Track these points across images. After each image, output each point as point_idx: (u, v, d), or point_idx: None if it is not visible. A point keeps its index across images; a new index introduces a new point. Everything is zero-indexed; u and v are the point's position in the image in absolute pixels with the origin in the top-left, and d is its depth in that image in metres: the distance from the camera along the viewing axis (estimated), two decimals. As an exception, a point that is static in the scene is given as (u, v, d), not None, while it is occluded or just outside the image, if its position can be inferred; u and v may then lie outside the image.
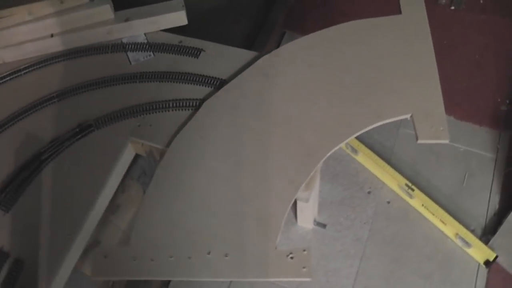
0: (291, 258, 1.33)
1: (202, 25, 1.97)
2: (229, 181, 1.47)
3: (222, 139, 1.55)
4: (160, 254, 1.38)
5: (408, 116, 1.55)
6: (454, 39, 2.50)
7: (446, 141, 1.51)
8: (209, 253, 1.36)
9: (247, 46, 2.42)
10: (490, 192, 2.08)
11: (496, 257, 1.89)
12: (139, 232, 1.42)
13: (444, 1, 2.62)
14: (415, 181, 2.09)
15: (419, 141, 1.51)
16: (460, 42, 2.50)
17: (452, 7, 2.61)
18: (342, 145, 1.55)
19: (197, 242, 1.39)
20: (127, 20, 1.80)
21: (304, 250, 1.34)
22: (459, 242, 1.96)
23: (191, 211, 1.44)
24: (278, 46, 2.48)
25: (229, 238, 1.38)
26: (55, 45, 1.81)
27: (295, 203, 1.90)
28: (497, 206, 2.05)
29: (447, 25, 2.56)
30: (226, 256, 1.35)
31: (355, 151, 2.16)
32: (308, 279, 1.31)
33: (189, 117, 1.61)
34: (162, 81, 1.72)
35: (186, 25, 1.84)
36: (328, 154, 1.49)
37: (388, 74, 1.63)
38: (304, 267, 1.32)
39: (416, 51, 1.67)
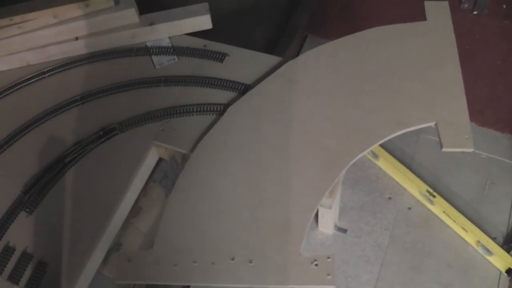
0: (316, 265, 1.33)
1: (225, 28, 1.97)
2: (253, 187, 1.47)
3: (246, 145, 1.55)
4: (184, 259, 1.38)
5: (432, 124, 1.55)
6: (476, 45, 2.48)
7: (471, 150, 1.50)
8: (233, 259, 1.36)
9: (269, 49, 2.42)
10: (512, 200, 2.07)
11: (518, 265, 1.88)
12: (163, 237, 1.43)
13: (466, 5, 2.60)
14: (436, 188, 2.07)
15: (444, 149, 1.50)
16: (482, 47, 2.48)
17: (475, 12, 2.59)
18: (366, 152, 1.55)
19: (221, 247, 1.39)
20: (151, 24, 1.81)
21: (328, 258, 1.34)
22: (480, 250, 1.94)
23: (215, 217, 1.44)
24: (299, 50, 2.49)
25: (253, 244, 1.38)
26: (79, 48, 1.83)
27: (316, 208, 1.90)
28: (519, 214, 2.04)
29: (470, 30, 2.54)
30: (250, 262, 1.35)
31: (376, 156, 2.15)
32: (332, 286, 1.31)
33: (213, 122, 1.61)
34: (186, 85, 1.72)
35: (208, 28, 1.85)
36: (352, 162, 1.49)
37: (412, 82, 1.63)
38: (328, 274, 1.32)
39: (441, 58, 1.67)
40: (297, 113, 1.59)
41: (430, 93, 1.60)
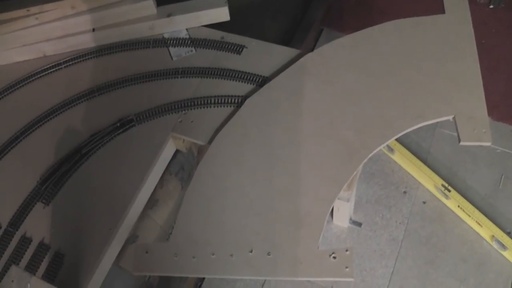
0: (334, 258, 1.32)
1: (241, 20, 1.96)
2: (271, 180, 1.47)
3: (264, 137, 1.54)
4: (202, 251, 1.38)
5: (450, 117, 1.54)
6: (492, 39, 2.47)
7: (488, 144, 1.49)
8: (251, 251, 1.36)
9: (285, 42, 2.42)
10: (527, 195, 2.06)
11: (533, 260, 1.88)
12: (181, 228, 1.43)
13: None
14: (451, 182, 2.07)
15: (462, 143, 1.49)
16: (498, 42, 2.46)
17: (491, 6, 2.57)
18: (384, 146, 1.54)
19: (239, 240, 1.39)
20: (169, 15, 1.80)
21: (346, 250, 1.33)
22: (495, 245, 1.94)
23: (233, 209, 1.44)
24: (315, 43, 2.49)
25: (271, 236, 1.38)
26: (96, 40, 1.82)
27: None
28: (534, 209, 2.03)
29: (486, 24, 2.52)
30: (269, 255, 1.35)
31: (391, 150, 2.15)
32: (351, 279, 1.31)
33: (231, 114, 1.61)
34: (204, 77, 1.72)
35: (224, 20, 1.84)
36: (371, 155, 1.49)
37: (430, 75, 1.62)
38: (346, 267, 1.31)
39: (459, 52, 1.66)
40: (316, 106, 1.59)
41: (449, 86, 1.59)
